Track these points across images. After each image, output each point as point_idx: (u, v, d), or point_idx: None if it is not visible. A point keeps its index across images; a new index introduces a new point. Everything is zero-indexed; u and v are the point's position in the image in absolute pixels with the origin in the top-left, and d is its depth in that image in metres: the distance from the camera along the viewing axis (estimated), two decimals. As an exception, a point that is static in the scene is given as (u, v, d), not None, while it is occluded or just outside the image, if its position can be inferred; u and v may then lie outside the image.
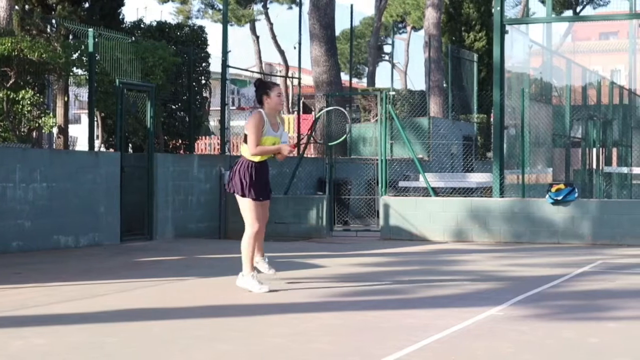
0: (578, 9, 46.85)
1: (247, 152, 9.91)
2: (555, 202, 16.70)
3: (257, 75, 45.20)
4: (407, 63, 56.59)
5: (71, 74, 18.16)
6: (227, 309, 8.85)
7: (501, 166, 17.69)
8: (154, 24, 21.50)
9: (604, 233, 16.48)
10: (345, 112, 11.88)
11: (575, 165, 25.46)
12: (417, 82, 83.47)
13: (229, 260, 13.76)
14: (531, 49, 26.78)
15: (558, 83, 27.55)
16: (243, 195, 9.90)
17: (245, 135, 9.87)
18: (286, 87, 43.16)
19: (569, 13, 46.13)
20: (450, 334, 7.47)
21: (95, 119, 17.76)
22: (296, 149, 10.18)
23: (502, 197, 17.46)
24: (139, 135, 18.13)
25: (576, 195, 16.77)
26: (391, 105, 18.54)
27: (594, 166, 25.34)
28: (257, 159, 9.94)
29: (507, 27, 19.96)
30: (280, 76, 43.39)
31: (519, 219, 16.97)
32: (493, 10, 18.31)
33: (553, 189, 16.84)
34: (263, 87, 10.01)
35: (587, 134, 25.27)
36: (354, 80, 47.12)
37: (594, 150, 25.46)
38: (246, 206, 9.92)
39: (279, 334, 7.45)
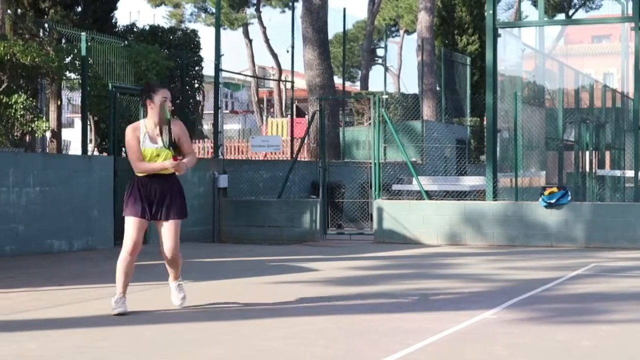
0: (570, 12, 46.90)
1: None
2: (549, 205, 16.70)
3: (250, 79, 45.29)
4: (400, 66, 56.66)
5: (64, 77, 18.14)
6: (220, 312, 8.83)
7: (494, 169, 17.70)
8: (147, 27, 21.52)
9: (597, 236, 16.49)
10: None
11: (568, 168, 25.47)
12: (410, 85, 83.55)
13: (223, 264, 13.76)
14: (524, 52, 26.82)
15: (551, 86, 27.58)
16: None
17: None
18: (279, 90, 43.18)
19: (561, 16, 46.16)
20: (444, 338, 7.46)
21: (89, 123, 17.75)
22: (181, 162, 8.44)
23: (496, 200, 17.46)
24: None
25: (569, 198, 16.78)
26: (384, 109, 18.54)
27: (587, 169, 25.36)
28: (140, 173, 8.60)
29: (500, 31, 19.99)
30: (274, 79, 43.39)
31: (512, 222, 16.97)
32: (485, 13, 18.31)
33: (546, 192, 16.85)
34: (146, 90, 8.64)
35: (580, 137, 25.29)
36: (347, 83, 47.10)
37: (587, 153, 25.48)
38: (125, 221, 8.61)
39: (271, 338, 7.44)
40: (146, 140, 8.51)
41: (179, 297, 8.93)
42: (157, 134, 8.51)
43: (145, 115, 8.68)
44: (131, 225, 8.50)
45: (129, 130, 8.57)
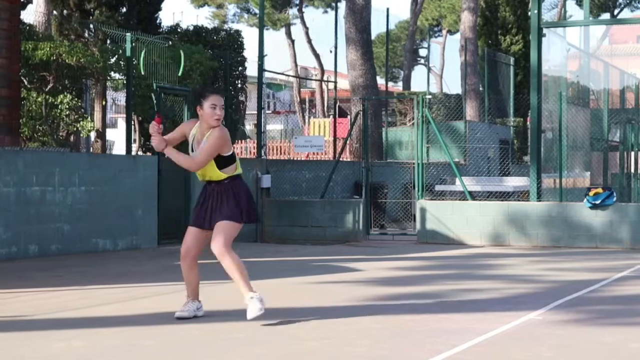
0: (615, 11, 46.56)
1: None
2: (593, 206, 16.57)
3: (292, 79, 45.39)
4: (443, 67, 56.55)
5: (109, 78, 18.28)
6: (265, 312, 8.85)
7: (538, 170, 17.58)
8: (191, 28, 21.62)
9: (643, 237, 16.33)
10: None
11: (613, 169, 25.26)
12: (453, 85, 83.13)
13: (265, 264, 13.79)
14: (568, 52, 26.61)
15: (595, 86, 27.36)
16: None
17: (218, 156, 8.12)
18: (321, 90, 43.23)
19: (606, 16, 45.83)
20: (489, 338, 7.43)
21: (133, 123, 17.86)
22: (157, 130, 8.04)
23: (540, 201, 17.35)
24: (176, 139, 18.18)
25: (614, 199, 16.63)
26: (427, 109, 18.49)
27: (632, 170, 25.12)
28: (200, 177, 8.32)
29: (544, 30, 19.82)
30: (316, 80, 43.46)
31: (556, 223, 16.86)
32: (530, 13, 18.22)
33: (591, 193, 16.72)
34: (197, 96, 8.20)
35: (625, 137, 25.05)
36: (390, 84, 47.04)
37: (632, 153, 25.24)
38: None
39: (315, 338, 7.44)
40: (190, 143, 8.19)
41: (249, 310, 8.07)
42: (198, 141, 8.13)
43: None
44: (187, 231, 8.36)
45: (185, 123, 8.42)
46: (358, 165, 21.36)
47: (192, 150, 8.17)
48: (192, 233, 8.31)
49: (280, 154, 30.30)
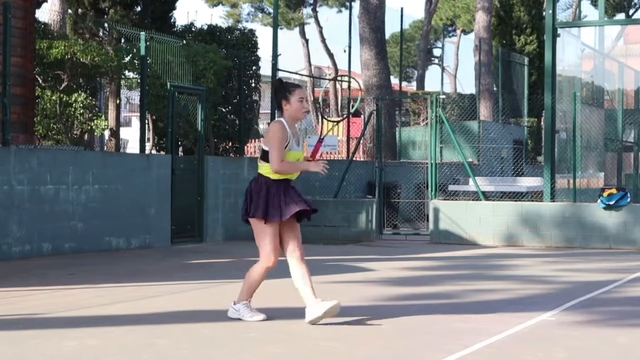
0: (631, 12, 46.40)
1: (267, 169, 8.10)
2: (607, 207, 16.53)
3: (306, 79, 45.39)
4: (457, 66, 56.41)
5: (123, 77, 18.31)
6: (277, 311, 8.85)
7: (552, 170, 17.54)
8: (205, 27, 21.62)
9: (657, 238, 16.28)
10: None
11: (627, 169, 25.18)
12: (467, 85, 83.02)
13: (278, 263, 13.78)
14: (583, 52, 26.54)
15: (610, 87, 27.28)
16: (252, 216, 8.16)
17: (264, 151, 8.08)
18: (335, 90, 43.19)
19: (621, 16, 45.68)
20: (502, 339, 7.42)
21: (147, 122, 17.89)
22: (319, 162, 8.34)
23: (553, 201, 17.31)
24: (190, 138, 18.22)
25: (628, 200, 16.59)
26: (441, 109, 18.47)
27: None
28: (276, 176, 8.10)
29: (559, 31, 19.77)
30: (330, 79, 43.43)
31: (570, 224, 16.82)
32: (545, 13, 18.18)
33: (605, 194, 16.68)
34: (282, 89, 8.14)
35: (640, 138, 24.98)
36: (404, 83, 46.98)
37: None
38: (258, 230, 8.30)
39: (328, 337, 7.44)
40: (293, 144, 8.08)
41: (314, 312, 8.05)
42: (295, 135, 8.14)
43: (280, 115, 8.18)
44: (270, 231, 8.28)
45: (279, 128, 8.00)
46: (371, 165, 21.35)
47: (298, 145, 8.20)
48: (276, 229, 8.34)
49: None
